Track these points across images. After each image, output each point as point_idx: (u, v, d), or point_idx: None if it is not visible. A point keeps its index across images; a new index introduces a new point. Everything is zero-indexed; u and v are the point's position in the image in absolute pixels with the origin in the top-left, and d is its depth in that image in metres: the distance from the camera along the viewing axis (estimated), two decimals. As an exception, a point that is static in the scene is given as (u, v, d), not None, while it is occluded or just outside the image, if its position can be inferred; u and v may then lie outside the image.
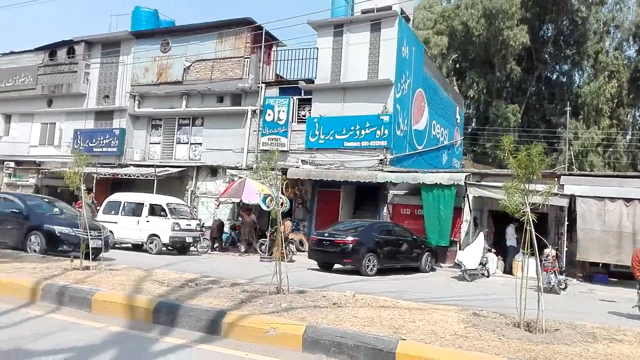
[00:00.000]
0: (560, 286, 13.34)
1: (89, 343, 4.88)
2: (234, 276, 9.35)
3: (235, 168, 21.85)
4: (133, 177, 22.63)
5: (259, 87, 21.94)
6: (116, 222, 16.98)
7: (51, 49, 27.10)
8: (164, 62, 24.03)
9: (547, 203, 6.19)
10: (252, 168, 21.27)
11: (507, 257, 17.38)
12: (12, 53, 28.84)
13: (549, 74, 43.33)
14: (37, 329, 5.32)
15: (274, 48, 23.46)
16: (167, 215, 16.93)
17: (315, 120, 20.68)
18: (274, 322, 5.22)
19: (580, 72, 42.37)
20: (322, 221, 19.89)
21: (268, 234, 18.02)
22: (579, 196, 15.97)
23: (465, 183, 17.26)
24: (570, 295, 13.06)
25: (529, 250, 5.73)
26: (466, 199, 17.53)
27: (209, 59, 23.07)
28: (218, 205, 20.37)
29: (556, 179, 16.82)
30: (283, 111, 21.38)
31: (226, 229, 20.56)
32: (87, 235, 12.15)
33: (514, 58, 38.40)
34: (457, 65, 41.37)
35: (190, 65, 23.41)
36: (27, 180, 27.33)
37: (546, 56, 40.90)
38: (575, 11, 38.24)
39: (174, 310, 5.71)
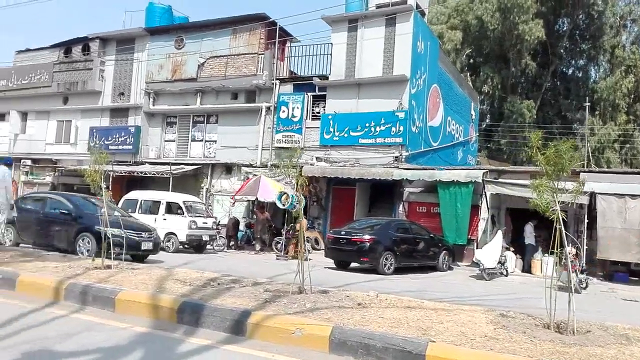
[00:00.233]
0: (581, 285, 13.14)
1: (114, 344, 4.84)
2: (252, 275, 9.32)
3: (250, 165, 21.85)
4: (149, 175, 22.71)
5: (273, 83, 21.90)
6: (133, 220, 17.01)
7: (66, 46, 27.26)
8: (178, 58, 24.08)
9: (573, 201, 6.07)
10: (267, 165, 21.35)
11: (525, 256, 17.18)
12: (28, 50, 29.09)
13: (564, 69, 42.83)
14: (62, 329, 5.30)
15: (288, 44, 23.41)
16: (184, 213, 16.96)
17: (330, 116, 20.59)
18: (299, 322, 5.15)
19: (596, 67, 41.84)
20: (337, 219, 19.82)
21: (284, 232, 18.01)
22: (599, 193, 15.70)
23: (482, 180, 17.08)
24: (592, 294, 12.86)
25: (558, 250, 5.60)
26: (484, 196, 17.35)
27: (223, 55, 23.07)
28: (234, 203, 20.38)
29: (578, 177, 16.57)
30: (297, 108, 21.32)
31: (241, 227, 20.56)
32: (139, 237, 12.15)
33: (529, 53, 37.95)
34: (471, 61, 41.00)
35: (205, 61, 23.42)
36: (44, 178, 27.59)
37: (562, 51, 40.41)
38: (592, 5, 37.68)
39: (198, 310, 5.67)
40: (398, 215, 19.28)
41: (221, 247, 18.33)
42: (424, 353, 4.49)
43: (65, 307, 6.24)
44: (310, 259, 16.24)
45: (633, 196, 15.41)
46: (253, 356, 4.71)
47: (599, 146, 37.31)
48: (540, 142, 5.48)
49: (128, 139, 24.84)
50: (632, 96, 38.14)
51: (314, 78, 21.14)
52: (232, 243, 19.39)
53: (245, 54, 22.70)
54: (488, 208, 17.44)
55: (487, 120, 41.36)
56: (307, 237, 18.32)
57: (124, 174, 23.06)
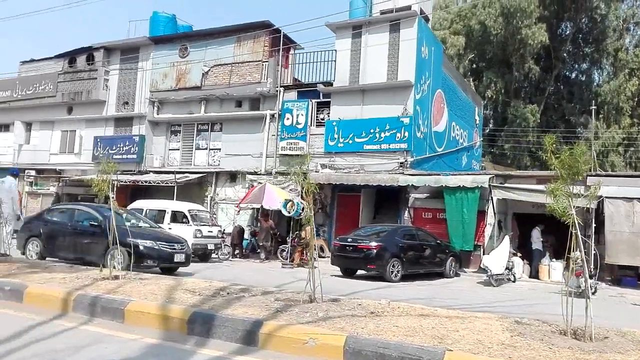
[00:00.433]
0: (590, 290, 13.01)
1: (125, 356, 4.77)
2: (259, 283, 9.24)
3: (255, 173, 21.81)
4: (153, 184, 22.68)
5: (277, 90, 21.89)
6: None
7: (71, 56, 27.37)
8: (183, 67, 24.11)
9: (585, 205, 6.00)
10: (271, 173, 21.31)
11: (532, 261, 17.05)
12: (32, 61, 29.19)
13: (567, 73, 42.70)
14: (72, 341, 5.23)
15: (291, 51, 23.43)
16: (189, 222, 16.89)
17: (334, 123, 20.54)
18: (312, 332, 5.08)
19: (599, 70, 41.67)
20: (342, 226, 19.71)
21: (289, 240, 17.92)
22: (606, 197, 15.58)
23: (489, 185, 16.98)
24: (601, 299, 12.71)
25: (575, 255, 5.53)
26: (490, 201, 17.25)
27: (227, 63, 23.10)
28: (239, 211, 20.30)
29: (586, 181, 16.47)
30: (302, 115, 21.28)
31: (246, 235, 20.48)
32: (172, 249, 11.81)
33: (532, 57, 37.85)
34: (474, 66, 40.96)
35: (209, 70, 23.44)
36: (48, 189, 27.59)
37: (565, 55, 40.32)
38: (594, 8, 37.60)
39: (209, 321, 5.59)
40: (403, 222, 19.18)
41: (226, 255, 18.24)
42: (441, 362, 4.41)
43: (74, 319, 6.17)
44: (316, 267, 16.25)
45: (641, 200, 15.29)
46: (266, 367, 4.64)
47: (603, 150, 37.14)
48: (553, 145, 5.41)
49: (132, 148, 24.84)
50: (636, 99, 37.99)
51: (318, 85, 21.13)
52: (237, 251, 19.30)
53: (249, 61, 22.72)
54: (495, 213, 17.33)
55: (491, 125, 41.27)
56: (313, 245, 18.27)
57: (128, 183, 23.04)
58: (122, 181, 22.54)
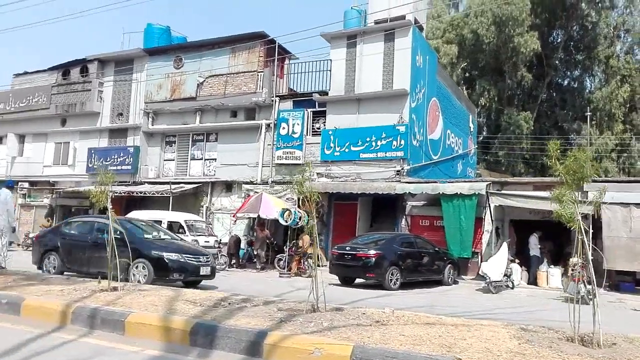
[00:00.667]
0: (589, 296, 12.99)
1: (128, 369, 4.68)
2: (258, 293, 9.15)
3: (251, 183, 21.74)
4: (148, 195, 22.54)
5: (272, 100, 21.88)
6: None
7: (64, 68, 27.29)
8: (178, 78, 24.08)
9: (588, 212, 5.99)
10: (267, 182, 21.24)
11: (530, 268, 17.03)
12: (25, 73, 29.08)
13: (560, 80, 43.02)
14: (72, 354, 5.13)
15: (287, 61, 23.45)
16: (185, 232, 16.79)
17: (330, 132, 20.54)
18: (318, 342, 4.99)
19: (591, 77, 42.03)
20: (339, 235, 19.65)
21: (286, 249, 17.83)
22: (603, 202, 15.57)
23: (486, 192, 16.99)
24: (601, 305, 12.57)
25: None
26: (487, 208, 17.24)
27: (222, 74, 23.07)
28: (235, 220, 20.20)
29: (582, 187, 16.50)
30: (297, 124, 21.27)
31: (243, 245, 20.36)
32: (198, 261, 11.43)
33: (525, 65, 38.13)
34: (467, 74, 41.18)
35: (204, 80, 23.42)
36: (42, 201, 27.41)
37: (557, 62, 40.64)
38: (585, 16, 38.00)
39: (211, 332, 5.50)
40: (401, 229, 19.14)
41: (223, 265, 18.08)
42: (450, 371, 4.35)
43: (73, 332, 6.06)
44: (313, 275, 16.16)
45: (638, 205, 15.32)
46: (272, 378, 4.55)
47: (597, 156, 37.30)
48: (558, 151, 5.39)
49: (127, 159, 24.72)
50: (628, 105, 38.31)
51: (313, 94, 21.14)
52: (233, 261, 19.17)
53: (244, 72, 22.72)
54: (492, 220, 17.32)
55: (485, 133, 41.43)
56: (310, 254, 18.18)
57: (123, 194, 22.90)
58: (117, 192, 22.40)
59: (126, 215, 18.56)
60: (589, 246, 15.21)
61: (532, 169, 38.61)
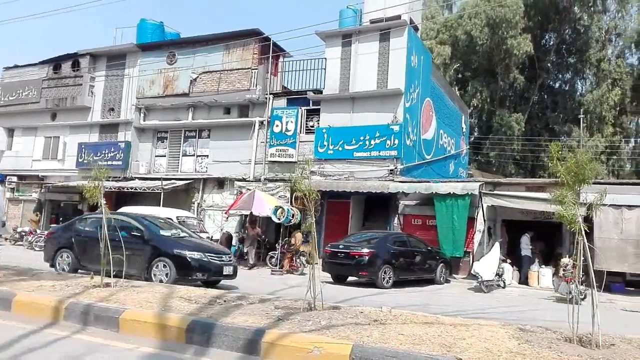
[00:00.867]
0: (580, 296, 13.06)
1: (124, 366, 4.60)
2: (251, 290, 9.08)
3: (243, 180, 21.64)
4: (139, 191, 22.35)
5: (266, 98, 21.78)
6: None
7: (55, 62, 26.97)
8: (170, 74, 23.89)
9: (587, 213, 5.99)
10: (260, 179, 21.14)
11: (522, 268, 17.11)
12: (16, 67, 28.71)
13: (551, 83, 43.27)
14: (65, 350, 5.04)
15: (281, 59, 23.34)
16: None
17: (324, 130, 20.48)
18: (317, 341, 4.94)
19: (582, 80, 42.30)
20: (332, 233, 19.58)
21: (279, 247, 17.75)
22: (596, 204, 15.67)
23: (479, 192, 17.04)
24: (591, 305, 12.75)
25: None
26: (480, 208, 17.28)
27: (215, 70, 22.91)
28: (227, 217, 20.07)
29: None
30: (291, 122, 21.18)
31: (234, 241, 20.25)
32: (221, 260, 11.00)
33: (517, 67, 38.31)
34: (460, 75, 41.33)
35: (197, 77, 23.25)
36: (31, 195, 27.08)
37: (549, 65, 40.86)
38: (578, 20, 38.25)
39: (208, 330, 5.43)
40: (393, 228, 19.14)
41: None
42: (451, 371, 4.31)
43: (66, 328, 5.96)
44: (305, 273, 16.10)
45: (630, 207, 15.44)
46: (271, 377, 4.50)
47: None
48: (557, 153, 5.37)
49: (118, 155, 24.50)
50: (618, 108, 38.62)
51: (308, 92, 21.07)
52: (225, 259, 19.01)
53: (238, 69, 22.57)
54: (484, 220, 17.35)
55: (476, 133, 41.60)
56: (303, 252, 18.12)
57: (113, 189, 22.67)
58: (106, 187, 22.13)
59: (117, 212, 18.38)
60: (589, 248, 15.34)
61: (522, 170, 38.84)
